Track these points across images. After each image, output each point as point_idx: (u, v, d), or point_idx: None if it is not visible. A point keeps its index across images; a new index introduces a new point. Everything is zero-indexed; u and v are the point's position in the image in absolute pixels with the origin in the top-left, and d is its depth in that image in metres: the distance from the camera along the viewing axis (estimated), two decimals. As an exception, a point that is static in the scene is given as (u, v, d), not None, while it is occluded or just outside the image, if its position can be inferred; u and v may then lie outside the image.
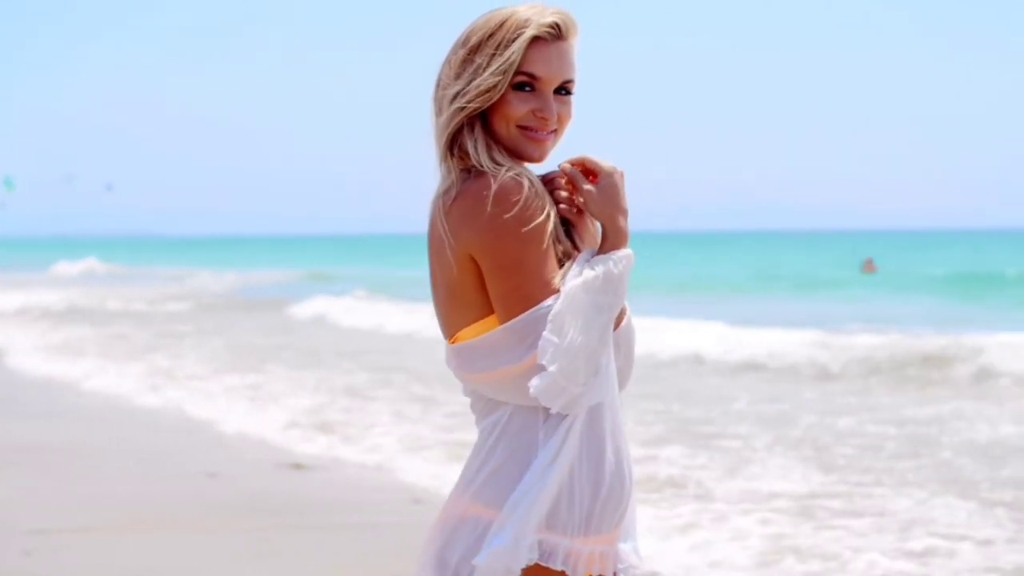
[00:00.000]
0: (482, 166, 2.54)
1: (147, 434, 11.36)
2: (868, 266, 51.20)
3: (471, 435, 9.93)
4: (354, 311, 27.86)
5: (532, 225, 2.49)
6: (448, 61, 2.62)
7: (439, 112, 2.62)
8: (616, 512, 2.59)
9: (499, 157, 2.56)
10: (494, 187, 2.49)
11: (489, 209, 2.48)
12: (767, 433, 11.05)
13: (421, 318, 24.18)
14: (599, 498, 2.55)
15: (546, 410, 2.53)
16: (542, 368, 2.47)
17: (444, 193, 2.58)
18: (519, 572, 2.50)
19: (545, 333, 2.46)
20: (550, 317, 2.47)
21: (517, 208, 2.48)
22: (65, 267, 62.84)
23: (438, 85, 2.63)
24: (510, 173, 2.51)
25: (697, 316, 21.89)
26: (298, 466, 9.69)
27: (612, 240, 2.57)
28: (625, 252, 2.56)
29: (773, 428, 11.37)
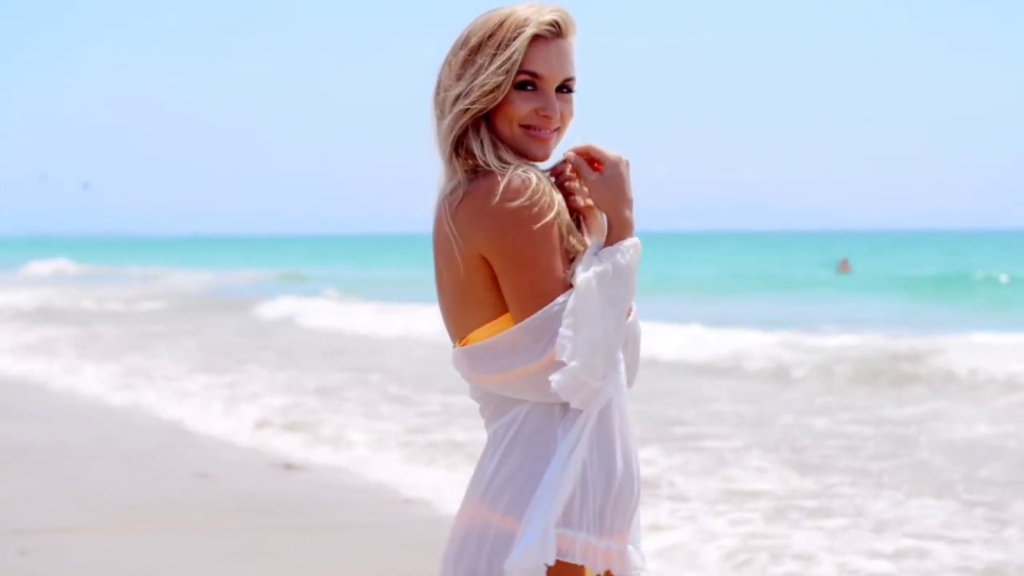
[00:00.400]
0: (489, 166, 2.53)
1: (127, 434, 11.29)
2: (843, 266, 51.36)
3: (447, 435, 9.95)
4: (323, 312, 27.67)
5: (542, 222, 2.49)
6: (448, 63, 2.61)
7: (442, 114, 2.60)
8: (627, 510, 2.60)
9: (506, 156, 2.55)
10: (502, 185, 2.49)
11: (499, 207, 2.48)
12: (743, 434, 11.05)
13: (392, 319, 24.18)
14: (611, 494, 2.56)
15: (563, 407, 2.53)
16: (561, 364, 2.47)
17: (450, 194, 2.57)
18: (545, 570, 2.49)
19: (561, 330, 2.46)
20: (565, 313, 2.47)
21: (526, 205, 2.48)
22: (37, 267, 62.49)
23: (439, 87, 2.63)
24: (518, 171, 2.51)
25: (672, 317, 21.90)
26: (289, 466, 9.67)
27: (618, 231, 2.56)
28: (632, 242, 2.55)
29: (749, 429, 11.38)
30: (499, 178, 2.50)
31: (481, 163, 2.55)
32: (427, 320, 23.57)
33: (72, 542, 7.26)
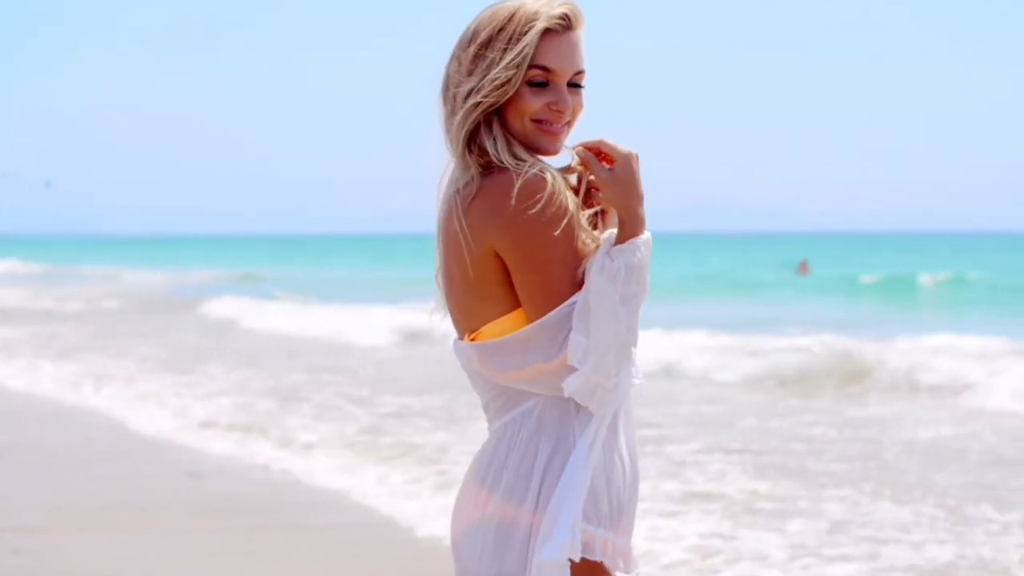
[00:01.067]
0: (503, 163, 2.52)
1: (89, 434, 11.24)
2: (802, 268, 51.54)
3: (400, 437, 9.81)
4: (267, 313, 27.36)
5: (557, 222, 2.48)
6: (456, 58, 2.60)
7: (453, 110, 2.59)
8: (633, 506, 2.63)
9: (520, 153, 2.54)
10: (518, 183, 2.48)
11: (515, 205, 2.47)
12: (704, 436, 11.04)
13: (340, 320, 23.95)
14: (625, 491, 2.59)
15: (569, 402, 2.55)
16: (574, 368, 2.48)
17: (463, 188, 2.56)
18: (569, 565, 2.49)
19: (573, 334, 2.47)
20: (576, 315, 2.48)
21: (543, 204, 2.47)
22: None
23: (447, 83, 2.61)
24: (534, 169, 2.50)
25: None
26: (266, 468, 9.64)
27: (630, 228, 2.54)
28: (645, 238, 2.54)
29: (710, 431, 11.37)
30: (514, 176, 2.50)
31: (495, 160, 2.54)
32: (372, 321, 23.57)
33: (66, 542, 7.26)
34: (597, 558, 2.53)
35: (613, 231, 2.56)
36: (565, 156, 2.64)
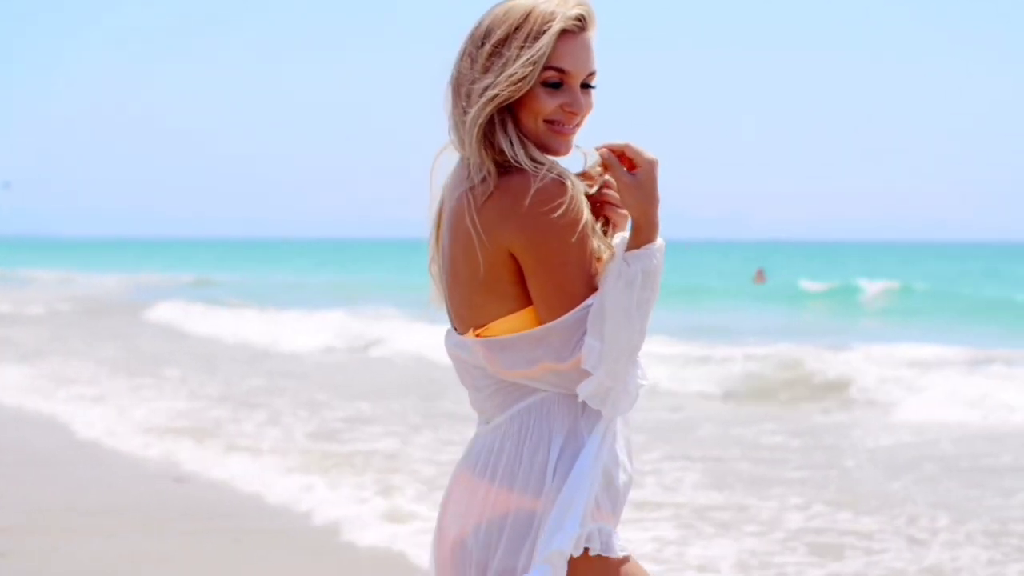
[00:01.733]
0: (520, 164, 2.54)
1: (31, 436, 11.03)
2: (758, 277, 51.65)
3: (348, 443, 9.60)
4: (214, 317, 27.08)
5: (575, 226, 2.51)
6: (468, 55, 2.60)
7: (467, 107, 2.58)
8: (626, 496, 2.69)
9: (537, 155, 2.56)
10: (537, 186, 2.50)
11: (533, 208, 2.49)
12: (661, 444, 10.92)
13: (273, 326, 23.68)
14: (622, 486, 2.64)
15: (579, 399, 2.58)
16: (585, 369, 2.53)
17: (479, 185, 2.56)
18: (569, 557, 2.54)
19: (588, 338, 2.51)
20: (592, 319, 2.51)
21: (563, 208, 2.49)
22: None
23: (460, 80, 2.61)
24: (552, 173, 2.51)
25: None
26: (179, 480, 9.43)
27: (646, 233, 2.57)
28: (659, 244, 2.58)
29: (667, 439, 11.26)
30: (532, 178, 2.51)
31: (512, 161, 2.54)
32: (319, 325, 23.41)
33: (52, 543, 7.18)
34: (616, 554, 2.58)
35: (624, 235, 2.60)
36: (576, 155, 2.66)
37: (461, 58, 2.61)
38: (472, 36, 2.61)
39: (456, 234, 2.60)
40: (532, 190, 2.50)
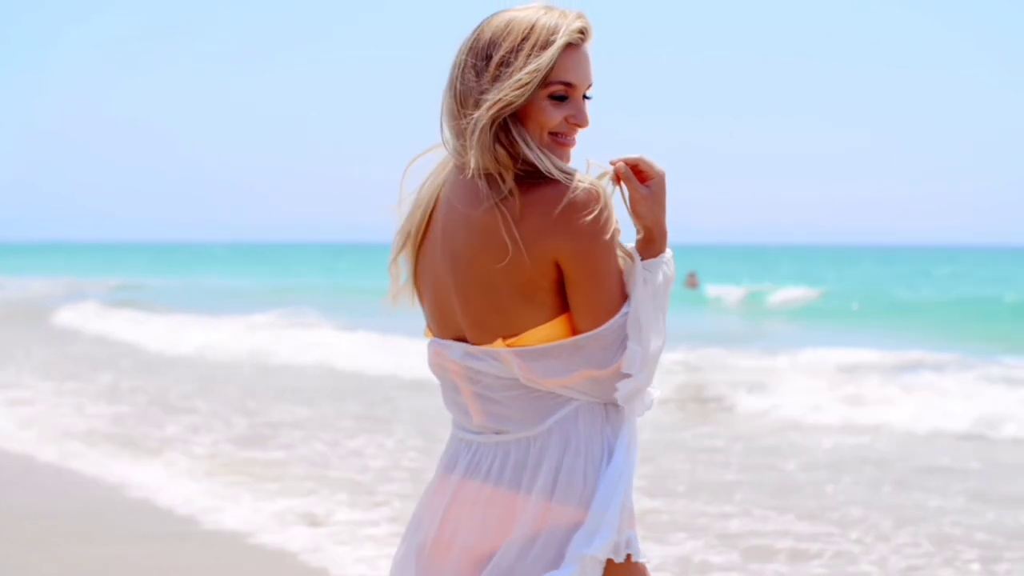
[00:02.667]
0: (551, 174, 2.54)
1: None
2: (690, 281, 51.68)
3: (268, 450, 9.30)
4: (120, 322, 26.67)
5: (615, 235, 2.57)
6: (472, 68, 2.60)
7: (473, 120, 2.56)
8: None
9: (564, 165, 2.58)
10: (575, 196, 2.52)
11: (580, 218, 2.51)
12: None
13: (179, 332, 23.22)
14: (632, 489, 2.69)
15: (605, 405, 2.63)
16: (626, 375, 2.59)
17: (509, 199, 2.55)
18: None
19: (631, 344, 2.57)
20: (630, 325, 2.58)
21: (604, 218, 2.53)
22: None
23: (466, 94, 2.60)
24: (585, 183, 2.54)
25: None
26: (94, 487, 9.02)
27: (660, 243, 2.64)
28: (671, 253, 2.67)
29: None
30: (566, 188, 2.53)
31: (543, 172, 2.55)
32: (231, 330, 23.01)
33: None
34: (640, 559, 2.61)
35: (630, 244, 2.66)
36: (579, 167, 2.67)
37: (463, 71, 2.61)
38: (473, 50, 2.61)
39: (485, 247, 2.57)
40: (571, 200, 2.52)
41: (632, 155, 2.66)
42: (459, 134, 2.61)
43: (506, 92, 2.55)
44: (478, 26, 2.64)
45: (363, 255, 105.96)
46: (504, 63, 2.57)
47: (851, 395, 13.73)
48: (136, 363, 18.44)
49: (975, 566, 7.07)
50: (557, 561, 2.57)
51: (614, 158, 2.67)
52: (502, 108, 2.55)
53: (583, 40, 2.63)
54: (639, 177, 2.65)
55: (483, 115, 2.55)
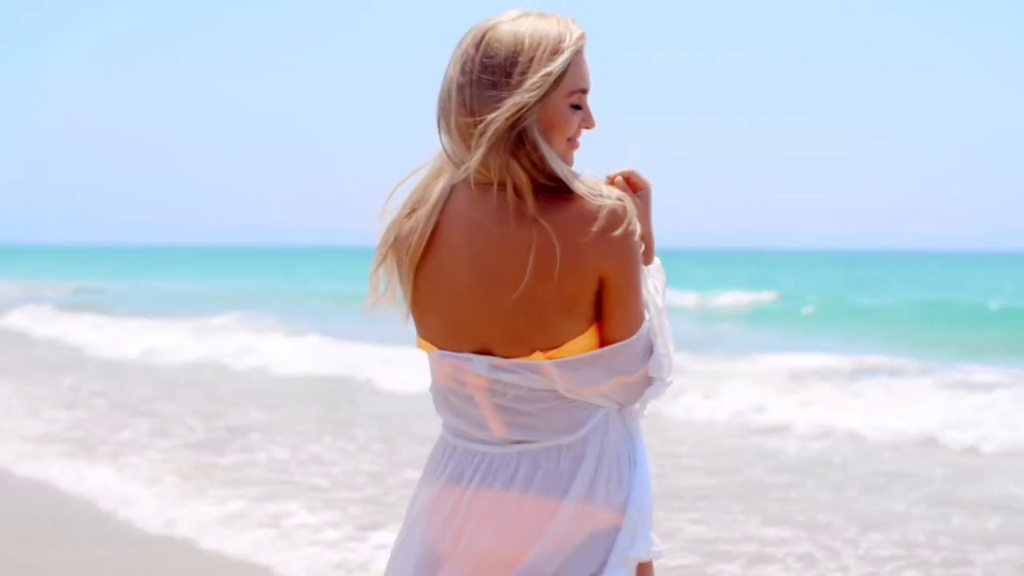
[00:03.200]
0: (577, 189, 2.58)
1: None
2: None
3: (222, 456, 9.18)
4: (64, 324, 26.42)
5: (638, 244, 2.63)
6: (490, 84, 2.59)
7: (487, 121, 2.56)
8: None
9: (586, 179, 2.62)
10: (613, 211, 2.57)
11: (621, 232, 2.57)
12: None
13: (130, 336, 22.94)
14: None
15: (621, 410, 2.71)
16: (653, 379, 2.69)
17: (551, 215, 2.57)
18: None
19: (659, 348, 2.68)
20: (657, 331, 2.70)
21: (633, 230, 2.60)
22: None
23: (483, 104, 2.58)
24: (612, 196, 2.59)
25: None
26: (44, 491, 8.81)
27: (651, 251, 2.75)
28: (659, 261, 2.81)
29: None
30: (598, 203, 2.57)
31: (573, 187, 2.58)
32: (177, 335, 22.77)
33: None
34: (659, 558, 2.73)
35: None
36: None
37: (480, 90, 2.59)
38: (487, 67, 2.60)
39: (526, 263, 2.58)
40: (608, 216, 2.57)
41: (625, 168, 2.73)
42: (469, 140, 2.60)
43: (522, 95, 2.56)
44: (477, 41, 2.62)
45: (344, 259, 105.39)
46: (526, 71, 2.59)
47: (802, 400, 13.68)
48: (84, 366, 18.23)
49: (938, 571, 7.04)
50: (597, 564, 2.62)
51: (610, 172, 2.73)
52: (519, 111, 2.56)
53: (584, 44, 2.69)
54: (632, 189, 2.72)
55: (499, 117, 2.55)
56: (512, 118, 2.56)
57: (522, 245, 2.58)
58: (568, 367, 2.62)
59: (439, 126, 2.66)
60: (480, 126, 2.56)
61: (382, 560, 7.07)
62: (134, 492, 8.84)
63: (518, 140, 2.57)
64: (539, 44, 2.60)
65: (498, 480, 2.66)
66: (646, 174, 2.75)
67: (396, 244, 2.70)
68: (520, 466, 2.65)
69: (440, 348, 2.69)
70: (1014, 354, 21.34)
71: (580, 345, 2.63)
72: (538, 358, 2.62)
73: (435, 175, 2.70)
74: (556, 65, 2.59)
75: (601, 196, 2.59)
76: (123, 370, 17.89)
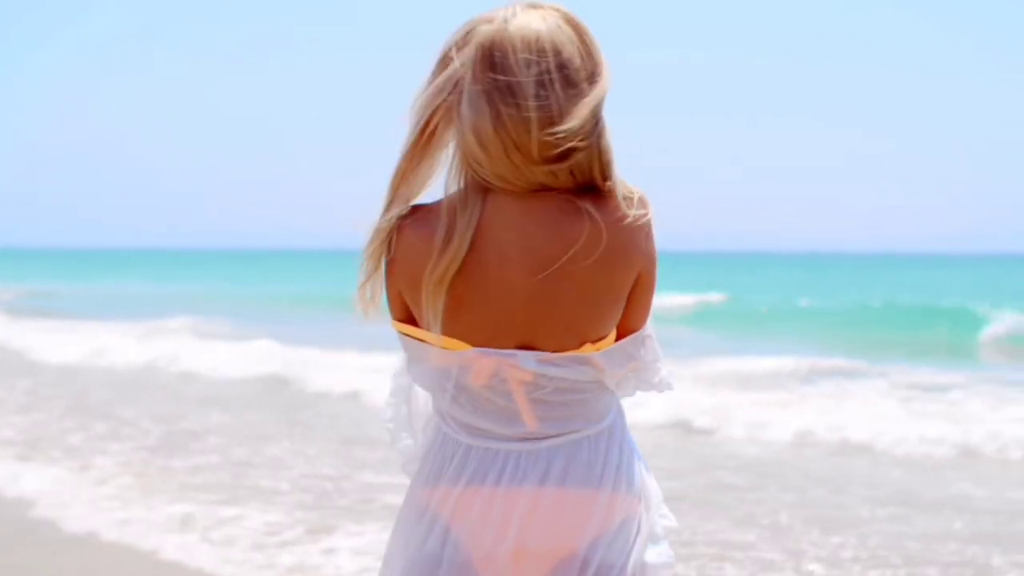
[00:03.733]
0: (615, 186, 2.56)
1: None
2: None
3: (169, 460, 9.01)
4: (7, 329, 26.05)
5: None
6: (564, 80, 2.46)
7: (595, 127, 2.48)
8: None
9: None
10: (641, 198, 2.58)
11: (650, 226, 2.60)
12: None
13: (72, 339, 22.67)
14: None
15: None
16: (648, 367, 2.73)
17: (619, 213, 2.55)
18: None
19: (652, 334, 2.72)
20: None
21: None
22: None
23: (567, 104, 2.46)
24: (638, 190, 2.60)
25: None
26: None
27: None
28: None
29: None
30: (632, 196, 2.57)
31: (616, 185, 2.56)
32: (123, 338, 22.53)
33: None
34: None
35: None
36: None
37: (565, 89, 2.46)
38: (561, 65, 2.47)
39: (583, 254, 2.54)
40: (644, 210, 2.59)
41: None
42: (550, 150, 2.46)
43: (600, 86, 2.50)
44: (531, 43, 2.47)
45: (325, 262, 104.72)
46: (594, 62, 2.52)
47: (743, 402, 13.63)
48: (31, 370, 17.99)
49: (901, 572, 7.01)
50: (631, 546, 2.65)
51: None
52: (600, 104, 2.51)
53: None
54: None
55: (588, 115, 2.47)
56: (597, 112, 2.50)
57: (576, 238, 2.53)
58: (608, 356, 2.64)
59: (483, 150, 2.47)
60: (570, 130, 2.45)
61: (333, 563, 6.96)
62: (84, 495, 8.70)
63: (600, 135, 2.52)
64: (585, 30, 2.52)
65: (530, 477, 2.62)
66: (638, 177, 2.70)
67: (405, 249, 2.56)
68: (552, 460, 2.62)
69: (477, 345, 2.60)
70: (959, 356, 21.50)
71: (612, 336, 2.66)
72: (588, 350, 2.61)
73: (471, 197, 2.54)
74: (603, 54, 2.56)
75: (626, 185, 2.58)
76: (70, 374, 17.65)
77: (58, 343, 22.01)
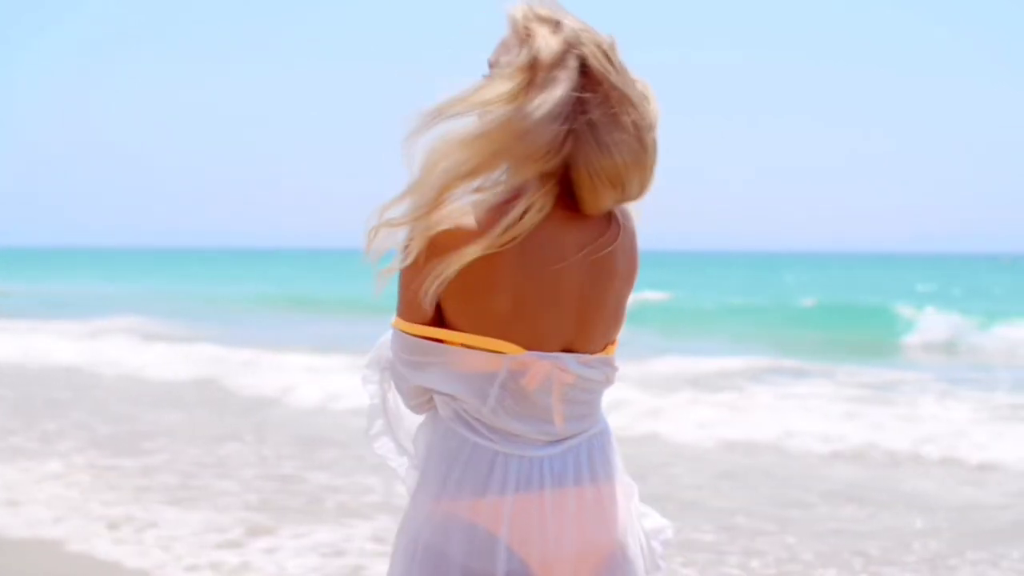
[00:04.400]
0: None
1: None
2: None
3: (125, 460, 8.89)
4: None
5: None
6: (619, 72, 2.47)
7: (649, 127, 2.49)
8: None
9: None
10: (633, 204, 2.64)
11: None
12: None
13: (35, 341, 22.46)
14: None
15: None
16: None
17: (628, 219, 2.65)
18: None
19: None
20: None
21: None
22: None
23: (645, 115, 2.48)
24: None
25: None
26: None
27: None
28: None
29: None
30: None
31: None
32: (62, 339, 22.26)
33: None
34: None
35: None
36: None
37: (635, 94, 2.47)
38: (603, 60, 2.46)
39: (620, 264, 2.63)
40: (630, 216, 2.67)
41: None
42: (650, 157, 2.52)
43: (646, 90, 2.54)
44: (602, 50, 2.47)
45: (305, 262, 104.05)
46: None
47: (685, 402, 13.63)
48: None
49: (861, 573, 6.99)
50: (638, 531, 2.75)
51: None
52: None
53: None
54: None
55: (654, 123, 2.52)
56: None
57: (613, 242, 2.60)
58: (614, 359, 2.72)
59: (569, 172, 2.46)
60: (646, 140, 2.49)
61: (275, 562, 6.92)
62: (24, 495, 8.58)
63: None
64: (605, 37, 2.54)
65: (567, 478, 2.62)
66: None
67: (458, 256, 2.43)
68: (578, 459, 2.64)
69: (529, 348, 2.55)
70: (896, 354, 21.67)
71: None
72: (611, 351, 2.68)
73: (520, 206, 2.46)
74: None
75: None
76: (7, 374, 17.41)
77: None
